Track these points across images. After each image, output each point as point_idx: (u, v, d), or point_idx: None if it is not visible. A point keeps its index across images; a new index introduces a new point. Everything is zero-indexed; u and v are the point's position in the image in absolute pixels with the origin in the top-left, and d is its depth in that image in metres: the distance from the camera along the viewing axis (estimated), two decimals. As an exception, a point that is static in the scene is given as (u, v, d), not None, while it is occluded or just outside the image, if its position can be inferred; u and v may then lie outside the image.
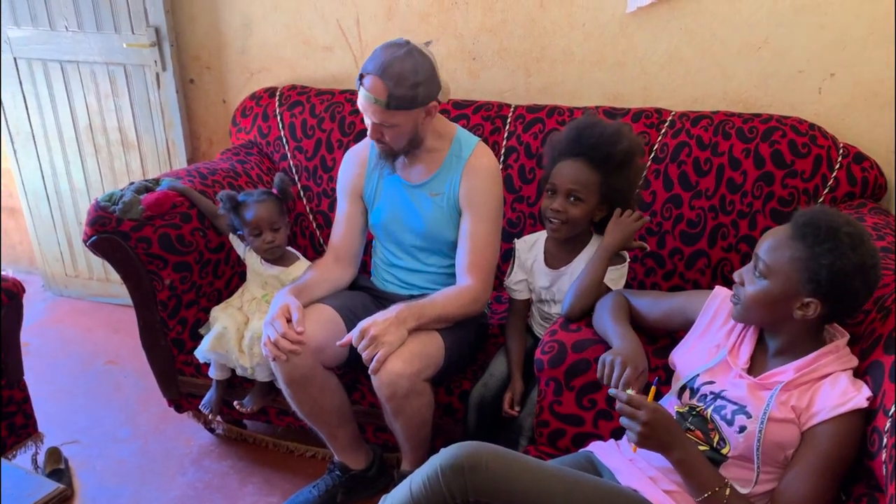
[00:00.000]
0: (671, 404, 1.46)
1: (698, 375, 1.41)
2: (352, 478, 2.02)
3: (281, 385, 1.86)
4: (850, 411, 1.24)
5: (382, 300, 2.02)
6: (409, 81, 1.71)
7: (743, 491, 1.31)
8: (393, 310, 1.75)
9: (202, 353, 2.04)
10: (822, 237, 1.25)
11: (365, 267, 2.16)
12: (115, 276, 2.95)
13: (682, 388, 1.44)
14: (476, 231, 1.89)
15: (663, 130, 2.17)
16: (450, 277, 1.98)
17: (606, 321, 1.58)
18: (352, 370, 1.96)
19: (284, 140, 2.52)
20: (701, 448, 1.35)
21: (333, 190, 2.42)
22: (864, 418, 1.26)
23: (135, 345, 2.29)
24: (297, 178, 2.51)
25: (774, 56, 2.13)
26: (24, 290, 2.00)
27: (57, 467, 2.18)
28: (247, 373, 2.02)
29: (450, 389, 1.96)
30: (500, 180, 1.95)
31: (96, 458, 2.30)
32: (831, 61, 2.08)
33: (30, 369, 2.06)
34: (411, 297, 1.98)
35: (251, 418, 2.24)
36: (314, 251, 2.49)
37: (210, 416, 2.18)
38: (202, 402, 2.15)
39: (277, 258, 2.07)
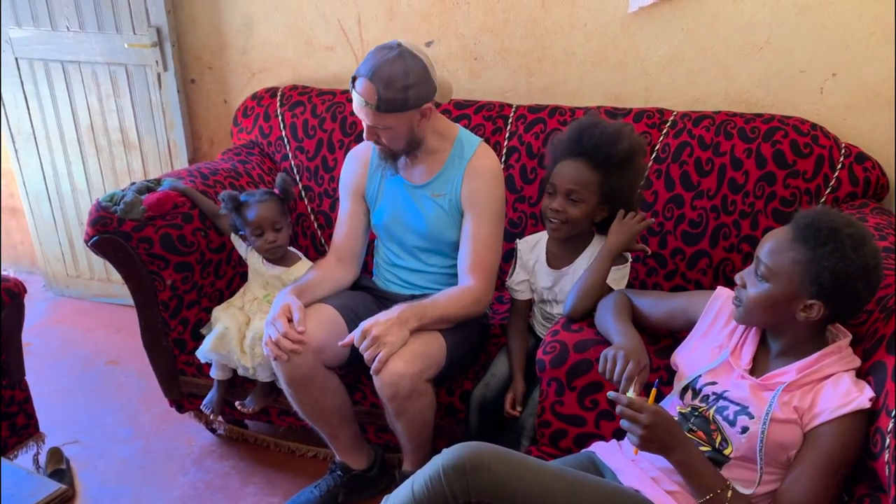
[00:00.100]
0: (673, 405, 1.46)
1: (700, 376, 1.41)
2: (353, 478, 2.02)
3: (282, 385, 1.86)
4: (852, 412, 1.24)
5: (384, 300, 2.02)
6: (399, 84, 1.71)
7: (746, 492, 1.31)
8: (395, 310, 1.75)
9: (203, 353, 2.04)
10: (823, 239, 1.25)
11: (367, 267, 2.16)
12: (116, 276, 2.96)
13: (685, 389, 1.44)
14: (478, 232, 1.89)
15: (665, 130, 2.17)
16: (452, 278, 1.98)
17: (608, 320, 1.58)
18: (353, 370, 1.96)
19: (286, 140, 2.52)
20: (703, 449, 1.35)
21: (335, 190, 2.43)
22: (867, 419, 1.25)
23: (136, 345, 2.29)
24: (298, 178, 2.51)
25: (776, 56, 2.13)
26: (25, 291, 2.00)
27: (58, 467, 2.18)
28: (248, 373, 2.02)
29: (451, 390, 1.96)
30: (502, 181, 1.95)
31: (97, 458, 2.30)
32: (833, 61, 2.08)
33: (31, 369, 2.06)
34: (413, 297, 1.98)
35: (252, 418, 2.24)
36: (315, 251, 2.49)
37: (211, 417, 2.18)
38: (203, 403, 2.15)
39: (279, 258, 2.07)
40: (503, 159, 2.31)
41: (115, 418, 2.49)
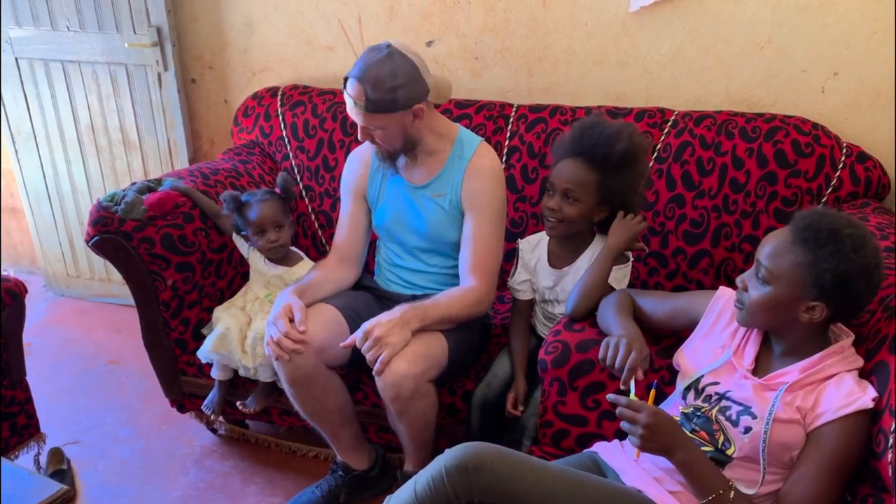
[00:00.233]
0: (676, 405, 1.45)
1: (703, 376, 1.41)
2: (354, 478, 2.01)
3: (284, 385, 1.86)
4: (855, 412, 1.24)
5: (385, 300, 2.01)
6: (387, 85, 1.71)
7: (749, 492, 1.31)
8: (397, 311, 1.75)
9: (204, 353, 2.03)
10: (823, 240, 1.25)
11: (368, 266, 2.15)
12: (116, 275, 2.96)
13: (687, 389, 1.44)
14: (479, 232, 1.89)
15: (666, 130, 2.17)
16: (453, 278, 1.98)
17: (609, 316, 1.58)
18: (354, 370, 1.96)
19: (286, 140, 2.52)
20: (706, 449, 1.35)
21: (335, 190, 2.43)
22: (870, 419, 1.25)
23: (137, 345, 2.29)
24: (299, 177, 2.50)
25: (777, 55, 2.12)
26: (26, 291, 2.00)
27: (59, 468, 2.17)
28: (249, 373, 2.02)
29: (453, 390, 1.95)
30: (503, 181, 1.95)
31: (98, 458, 2.30)
32: (834, 61, 2.07)
33: (31, 369, 2.06)
34: (414, 297, 1.98)
35: (254, 418, 2.24)
36: (316, 251, 2.49)
37: (212, 417, 2.18)
38: (204, 403, 2.15)
39: (281, 258, 2.07)
40: (504, 159, 2.30)
41: (115, 418, 2.49)
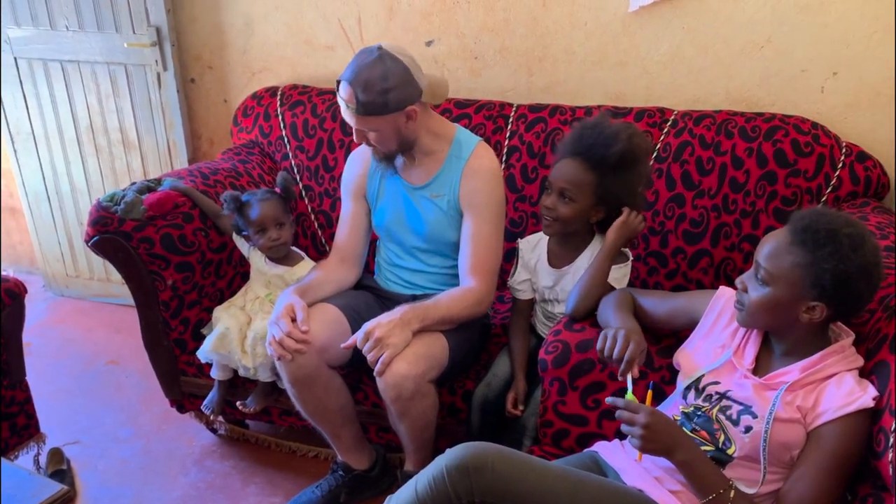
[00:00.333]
0: (676, 404, 1.45)
1: (703, 376, 1.41)
2: (355, 478, 2.01)
3: (285, 384, 1.86)
4: (855, 411, 1.24)
5: (386, 300, 2.02)
6: (378, 87, 1.71)
7: (749, 491, 1.31)
8: (397, 311, 1.75)
9: (204, 353, 2.03)
10: (822, 241, 1.25)
11: (368, 266, 2.15)
12: (116, 275, 2.96)
13: (688, 389, 1.44)
14: (478, 232, 1.89)
15: (666, 130, 2.17)
16: (453, 278, 1.98)
17: (609, 313, 1.58)
18: (355, 370, 1.96)
19: (286, 140, 2.52)
20: (707, 448, 1.35)
21: (335, 189, 2.43)
22: (870, 418, 1.26)
23: (136, 345, 2.29)
24: (298, 177, 2.50)
25: (777, 55, 2.12)
26: (26, 291, 2.00)
27: (59, 468, 2.17)
28: (249, 373, 2.02)
29: (453, 389, 1.95)
30: (502, 180, 1.95)
31: (98, 458, 2.30)
32: (834, 60, 2.07)
33: (31, 369, 2.06)
34: (414, 297, 1.98)
35: (254, 418, 2.24)
36: (316, 251, 2.49)
37: (212, 417, 2.18)
38: (204, 403, 2.15)
39: (282, 258, 2.07)
40: (504, 159, 2.30)
41: (115, 418, 2.49)
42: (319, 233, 2.51)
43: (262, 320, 1.98)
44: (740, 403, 1.34)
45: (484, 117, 2.33)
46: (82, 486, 2.18)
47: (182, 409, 2.28)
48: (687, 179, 2.11)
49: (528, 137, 2.28)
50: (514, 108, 2.34)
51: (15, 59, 2.89)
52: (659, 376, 1.57)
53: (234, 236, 2.12)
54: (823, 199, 2.02)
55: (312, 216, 2.51)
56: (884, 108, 2.06)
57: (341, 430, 1.95)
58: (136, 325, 2.17)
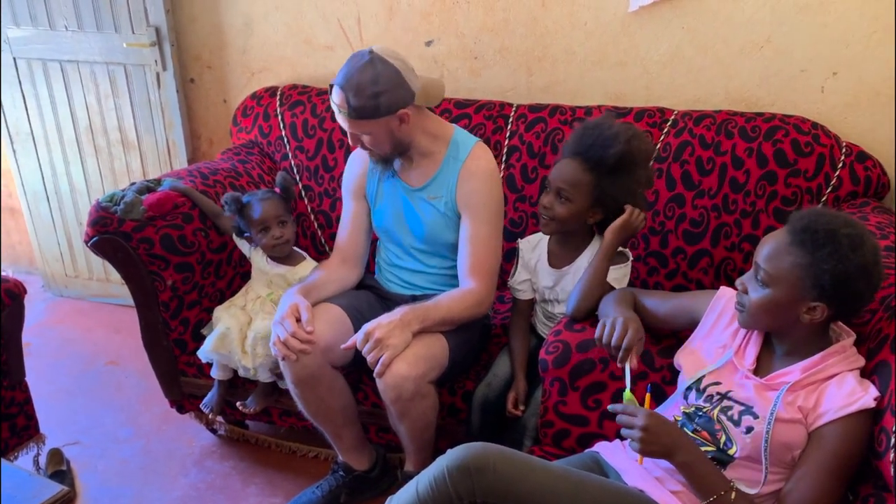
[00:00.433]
0: (677, 405, 1.45)
1: (704, 376, 1.41)
2: (355, 478, 2.01)
3: (288, 384, 1.86)
4: (857, 411, 1.24)
5: (386, 300, 2.02)
6: (368, 92, 1.71)
7: (750, 491, 1.31)
8: (397, 312, 1.75)
9: (205, 353, 2.03)
10: (821, 241, 1.25)
11: (368, 266, 2.15)
12: (115, 276, 2.96)
13: (688, 389, 1.43)
14: (476, 234, 1.89)
15: (666, 130, 2.17)
16: (452, 279, 1.97)
17: (609, 309, 1.59)
18: (355, 370, 1.96)
19: (285, 140, 2.52)
20: (708, 449, 1.35)
21: (335, 189, 2.43)
22: (872, 418, 1.26)
23: (135, 345, 2.29)
24: (298, 177, 2.50)
25: (777, 55, 2.12)
26: (25, 292, 1.99)
27: (59, 468, 2.17)
28: (249, 374, 2.02)
29: (453, 390, 1.95)
30: (499, 181, 1.94)
31: (98, 458, 2.30)
32: (834, 60, 2.07)
33: (30, 370, 2.05)
34: (414, 297, 1.98)
35: (254, 419, 2.23)
36: (316, 251, 2.49)
37: (211, 416, 2.18)
38: (203, 402, 2.15)
39: (284, 257, 2.07)
40: (504, 158, 2.30)
41: (115, 419, 2.49)
42: (319, 233, 2.51)
43: (263, 320, 1.98)
44: (741, 404, 1.34)
45: (484, 117, 2.33)
46: (82, 486, 2.18)
47: (182, 409, 2.28)
48: (687, 179, 2.11)
49: (528, 137, 2.28)
50: (513, 108, 2.33)
51: (14, 59, 2.89)
52: (659, 377, 1.57)
53: (235, 237, 2.12)
54: (823, 198, 2.02)
55: (312, 216, 2.51)
56: (883, 107, 2.06)
57: (343, 431, 1.95)
58: (135, 325, 2.17)
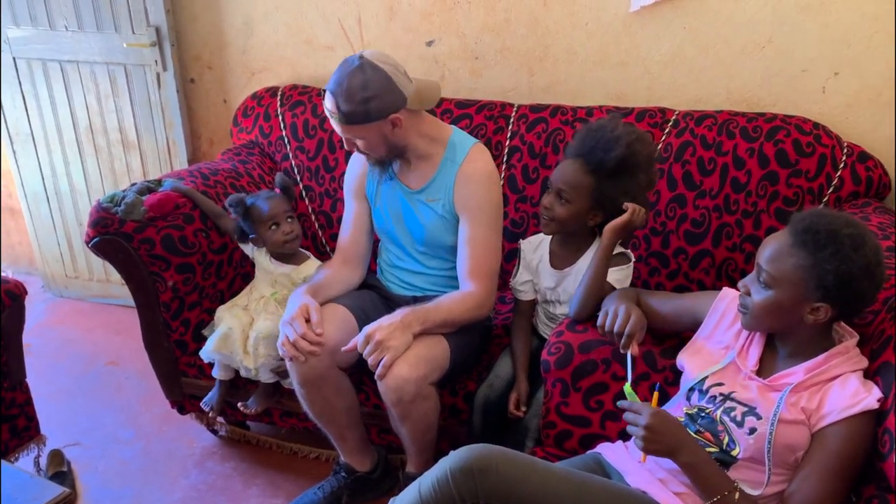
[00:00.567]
0: (679, 406, 1.45)
1: (707, 377, 1.41)
2: (357, 479, 2.01)
3: (294, 385, 1.85)
4: (860, 412, 1.24)
5: (388, 301, 2.01)
6: (358, 97, 1.71)
7: (754, 493, 1.31)
8: (398, 314, 1.75)
9: (207, 352, 2.03)
10: (823, 242, 1.25)
11: (371, 266, 2.15)
12: (115, 276, 2.95)
13: (691, 390, 1.43)
14: (474, 236, 1.88)
15: (667, 130, 2.17)
16: (453, 280, 1.97)
17: (611, 305, 1.59)
18: (356, 372, 1.95)
19: (286, 140, 2.51)
20: (711, 450, 1.35)
21: (335, 190, 2.42)
22: (875, 420, 1.26)
23: (136, 346, 2.28)
24: (298, 178, 2.50)
25: (778, 55, 2.12)
26: (26, 292, 1.99)
27: (59, 470, 2.17)
28: (250, 374, 2.01)
29: (454, 391, 1.95)
30: (497, 182, 1.93)
31: (98, 459, 2.29)
32: (835, 60, 2.07)
33: (30, 371, 2.05)
34: (415, 298, 1.98)
35: (255, 420, 2.23)
36: (317, 251, 2.48)
37: (211, 415, 2.16)
38: (204, 400, 2.14)
39: (288, 256, 2.07)
40: (505, 159, 2.30)
41: (115, 419, 2.48)
42: (320, 233, 2.51)
43: (266, 321, 1.98)
44: (744, 405, 1.34)
45: (485, 117, 2.33)
46: (83, 487, 2.18)
47: (183, 410, 2.28)
48: (688, 180, 2.11)
49: (529, 138, 2.28)
50: (514, 109, 2.33)
51: (14, 59, 2.88)
52: (662, 377, 1.57)
53: (237, 240, 2.11)
54: (825, 199, 2.02)
55: (313, 217, 2.50)
56: (885, 108, 2.06)
57: (347, 432, 1.95)
58: (135, 325, 2.17)
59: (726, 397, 1.37)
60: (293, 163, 2.51)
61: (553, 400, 1.64)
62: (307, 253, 2.12)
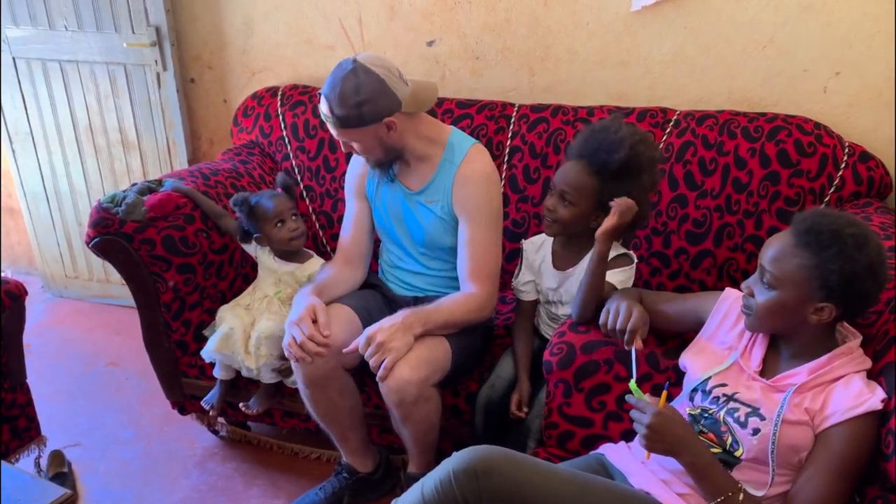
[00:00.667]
0: (682, 406, 1.45)
1: (710, 378, 1.41)
2: (359, 480, 2.01)
3: (299, 385, 1.85)
4: (864, 413, 1.24)
5: (390, 301, 2.01)
6: (351, 101, 1.71)
7: (757, 493, 1.31)
8: (399, 315, 1.74)
9: (208, 352, 2.02)
10: (826, 242, 1.25)
11: (372, 267, 2.14)
12: (115, 276, 2.95)
13: (694, 391, 1.43)
14: (474, 237, 1.87)
15: (668, 130, 2.16)
16: (454, 280, 1.97)
17: (613, 303, 1.59)
18: (357, 372, 1.95)
19: (287, 140, 2.51)
20: (714, 451, 1.35)
21: (336, 190, 2.42)
22: (879, 420, 1.25)
23: (136, 346, 2.28)
24: (299, 178, 2.49)
25: (780, 55, 2.12)
26: (26, 293, 1.99)
27: (60, 471, 2.16)
28: (252, 374, 2.01)
29: (456, 391, 1.95)
30: (497, 183, 1.92)
31: (99, 460, 2.29)
32: (837, 60, 2.07)
33: (30, 371, 2.04)
34: (415, 299, 1.98)
35: (256, 420, 2.23)
36: (317, 251, 2.47)
37: (212, 413, 2.16)
38: (204, 399, 2.13)
39: (292, 254, 2.06)
40: (506, 159, 2.30)
41: (116, 420, 2.48)
42: (321, 233, 2.51)
43: (268, 320, 1.98)
44: (748, 405, 1.33)
45: (486, 117, 2.32)
46: (83, 488, 2.17)
47: (183, 411, 2.28)
48: (690, 180, 2.10)
49: (530, 138, 2.27)
50: (515, 109, 2.33)
51: (13, 59, 2.87)
52: (665, 378, 1.56)
53: (239, 240, 2.11)
54: (826, 199, 2.02)
55: (314, 217, 2.50)
56: (886, 107, 2.06)
57: (349, 433, 1.95)
58: (135, 326, 2.16)
59: (729, 398, 1.36)
60: (294, 163, 2.50)
61: (555, 400, 1.64)
62: (310, 251, 2.12)
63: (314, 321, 1.78)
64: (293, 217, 2.01)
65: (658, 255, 2.14)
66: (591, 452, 1.55)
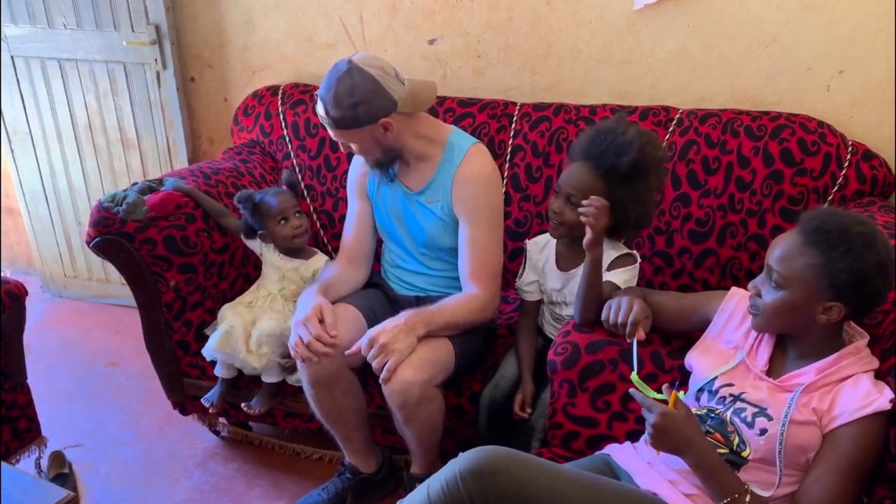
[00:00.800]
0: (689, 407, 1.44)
1: (717, 377, 1.40)
2: (362, 481, 2.00)
3: (304, 385, 1.84)
4: (872, 413, 1.23)
5: (392, 301, 2.00)
6: (346, 103, 1.70)
7: (765, 494, 1.30)
8: (401, 317, 1.73)
9: (209, 351, 2.02)
10: (834, 241, 1.24)
11: (374, 267, 2.14)
12: (115, 276, 2.94)
13: (700, 391, 1.43)
14: (474, 238, 1.87)
15: (671, 128, 2.16)
16: (455, 281, 1.96)
17: (615, 301, 1.58)
18: (360, 372, 1.94)
19: (287, 139, 2.50)
20: (721, 451, 1.34)
21: (337, 189, 2.41)
22: (887, 421, 1.25)
23: (136, 346, 2.27)
24: (300, 177, 2.48)
25: (783, 53, 2.11)
26: (26, 293, 1.97)
27: (61, 471, 2.15)
28: (255, 371, 2.00)
29: (460, 391, 1.94)
30: (497, 182, 1.91)
31: (100, 461, 2.28)
32: (840, 59, 2.06)
33: (30, 371, 2.03)
34: (417, 299, 1.97)
35: (257, 420, 2.22)
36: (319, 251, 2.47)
37: (212, 411, 2.14)
38: (205, 397, 2.12)
39: (297, 251, 2.06)
40: (508, 158, 2.29)
41: (116, 420, 2.47)
42: (322, 233, 2.50)
43: (270, 319, 1.97)
44: (755, 406, 1.33)
45: (488, 116, 2.32)
46: (84, 489, 2.17)
47: (185, 411, 2.27)
48: (692, 178, 2.10)
49: (532, 136, 2.26)
50: (517, 107, 2.32)
51: (12, 57, 2.86)
52: (670, 378, 1.56)
53: (244, 237, 2.10)
54: (830, 197, 2.01)
55: (315, 216, 2.49)
56: (889, 106, 2.06)
57: (353, 433, 1.94)
58: (135, 325, 2.16)
59: (736, 398, 1.36)
60: (294, 162, 2.49)
61: (560, 400, 1.64)
62: (313, 248, 2.12)
63: (321, 321, 1.77)
64: (297, 214, 2.01)
65: (661, 255, 2.14)
66: (597, 453, 1.54)
